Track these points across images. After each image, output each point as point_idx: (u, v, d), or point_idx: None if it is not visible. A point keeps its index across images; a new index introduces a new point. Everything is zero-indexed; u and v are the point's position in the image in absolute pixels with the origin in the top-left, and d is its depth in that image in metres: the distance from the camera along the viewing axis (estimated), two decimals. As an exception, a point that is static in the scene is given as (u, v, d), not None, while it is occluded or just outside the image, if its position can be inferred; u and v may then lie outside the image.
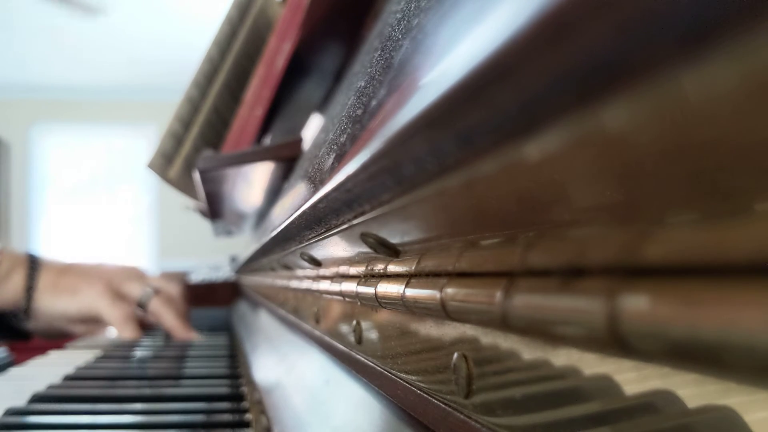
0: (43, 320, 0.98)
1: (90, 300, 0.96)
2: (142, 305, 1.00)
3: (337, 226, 0.25)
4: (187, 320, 1.04)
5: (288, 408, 0.40)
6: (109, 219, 4.32)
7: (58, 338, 1.03)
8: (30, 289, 0.95)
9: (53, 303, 0.96)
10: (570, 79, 0.08)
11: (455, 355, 0.18)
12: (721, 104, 0.07)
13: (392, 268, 0.22)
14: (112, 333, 1.05)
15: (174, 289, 1.07)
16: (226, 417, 0.46)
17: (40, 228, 4.26)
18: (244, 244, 1.19)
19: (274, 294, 0.68)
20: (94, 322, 0.99)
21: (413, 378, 0.22)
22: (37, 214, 4.27)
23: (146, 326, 1.03)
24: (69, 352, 0.88)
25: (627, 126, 0.08)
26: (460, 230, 0.17)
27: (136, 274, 1.05)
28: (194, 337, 0.98)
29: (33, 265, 0.97)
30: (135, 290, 1.01)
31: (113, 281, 0.99)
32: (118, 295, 0.98)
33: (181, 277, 1.23)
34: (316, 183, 0.25)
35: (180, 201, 1.15)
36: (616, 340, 0.09)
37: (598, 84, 0.08)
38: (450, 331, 0.19)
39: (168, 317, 0.99)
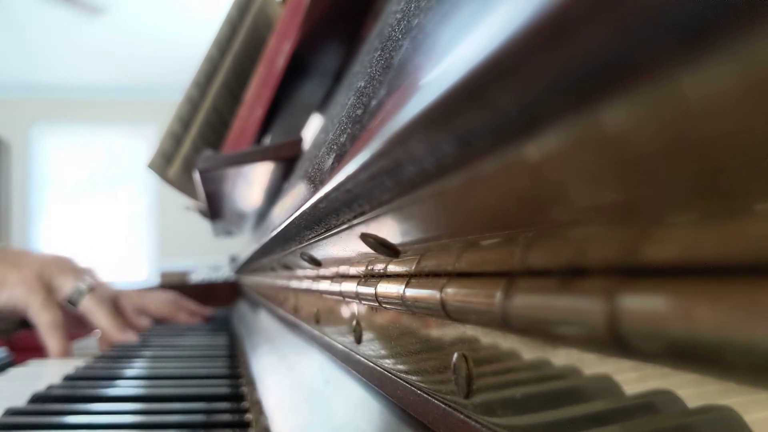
0: None
1: (19, 294, 0.85)
2: (72, 302, 0.89)
3: (337, 226, 0.25)
4: (137, 320, 0.97)
5: (288, 408, 0.40)
6: (109, 219, 4.32)
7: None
8: None
9: None
10: (569, 80, 0.08)
11: (455, 355, 0.18)
12: (721, 104, 0.07)
13: (392, 268, 0.22)
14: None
15: (109, 288, 0.97)
16: (226, 417, 0.46)
17: (40, 228, 4.26)
18: (244, 244, 1.19)
19: (274, 294, 0.68)
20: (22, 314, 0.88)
21: (413, 378, 0.22)
22: (37, 214, 4.27)
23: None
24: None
25: (626, 126, 0.08)
26: (460, 230, 0.17)
27: (71, 267, 0.93)
28: (130, 337, 0.89)
29: None
30: (67, 284, 0.90)
31: (45, 272, 0.89)
32: (49, 289, 0.88)
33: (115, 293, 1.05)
34: (316, 183, 0.25)
35: (180, 201, 1.15)
36: (616, 340, 0.09)
37: (598, 84, 0.08)
38: (450, 331, 0.19)
39: (100, 316, 0.89)
